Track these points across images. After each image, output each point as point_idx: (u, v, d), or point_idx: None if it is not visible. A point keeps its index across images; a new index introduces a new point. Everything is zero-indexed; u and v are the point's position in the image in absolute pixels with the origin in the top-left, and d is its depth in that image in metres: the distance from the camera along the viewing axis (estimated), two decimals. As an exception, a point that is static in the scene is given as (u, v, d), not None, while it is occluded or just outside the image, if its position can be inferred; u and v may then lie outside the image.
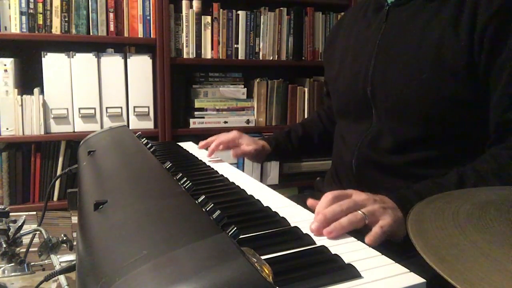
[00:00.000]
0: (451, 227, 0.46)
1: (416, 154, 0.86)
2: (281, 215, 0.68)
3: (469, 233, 0.44)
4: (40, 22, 1.82)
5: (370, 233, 0.64)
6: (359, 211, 0.65)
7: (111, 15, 1.90)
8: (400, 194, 0.73)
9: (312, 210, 0.70)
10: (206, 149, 1.19)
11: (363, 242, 0.60)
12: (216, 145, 1.12)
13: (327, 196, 0.68)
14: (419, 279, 0.49)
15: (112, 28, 1.91)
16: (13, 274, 0.99)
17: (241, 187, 0.83)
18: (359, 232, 0.64)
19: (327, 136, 1.23)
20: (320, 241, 0.60)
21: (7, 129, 1.81)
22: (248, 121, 2.19)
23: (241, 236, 0.56)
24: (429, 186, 0.75)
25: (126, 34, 1.94)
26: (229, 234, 0.52)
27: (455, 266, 0.39)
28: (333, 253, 0.55)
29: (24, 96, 1.80)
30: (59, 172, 1.91)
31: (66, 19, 1.85)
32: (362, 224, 0.65)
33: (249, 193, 0.79)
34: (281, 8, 2.19)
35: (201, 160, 1.09)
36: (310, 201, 0.71)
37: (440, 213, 0.50)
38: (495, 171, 0.74)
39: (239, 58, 2.14)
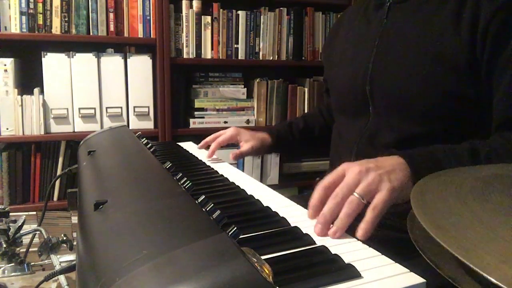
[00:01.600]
0: (453, 198, 0.46)
1: None
2: (281, 215, 0.68)
3: (470, 203, 0.44)
4: (40, 22, 1.82)
5: (361, 224, 0.61)
6: (354, 195, 0.63)
7: (111, 15, 1.90)
8: (409, 152, 0.71)
9: None
10: (206, 148, 1.19)
11: (363, 242, 0.60)
12: (216, 146, 1.12)
13: (319, 188, 0.67)
14: (419, 279, 0.49)
15: (112, 28, 1.91)
16: (13, 274, 0.99)
17: (241, 187, 0.83)
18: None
19: (328, 130, 1.23)
20: (320, 241, 0.60)
21: (7, 129, 1.81)
22: (248, 121, 2.19)
23: (241, 236, 0.56)
24: (441, 148, 0.74)
25: (126, 34, 1.94)
26: (229, 234, 0.52)
27: (451, 232, 0.39)
28: (333, 253, 0.55)
29: (24, 96, 1.80)
30: (59, 172, 1.91)
31: (66, 19, 1.85)
32: (362, 207, 0.63)
33: (249, 193, 0.79)
34: (281, 8, 2.19)
35: (201, 160, 1.09)
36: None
37: (445, 186, 0.50)
38: (504, 145, 0.74)
39: (239, 58, 2.14)
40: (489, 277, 0.33)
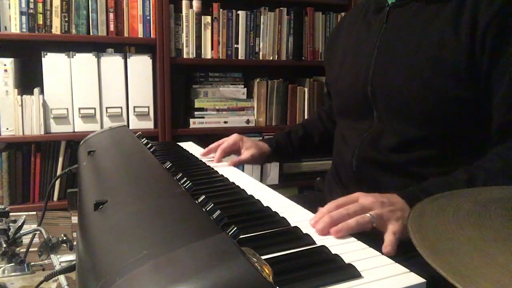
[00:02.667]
0: (450, 223, 0.46)
1: (417, 153, 0.86)
2: (281, 215, 0.68)
3: (467, 229, 0.45)
4: (40, 22, 1.82)
5: (386, 242, 0.63)
6: (367, 214, 0.66)
7: (111, 15, 1.90)
8: (409, 193, 0.73)
9: (312, 210, 0.70)
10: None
11: (364, 242, 0.60)
12: (221, 154, 1.13)
13: (332, 203, 0.68)
14: (419, 279, 0.49)
15: (112, 28, 1.91)
16: (13, 274, 0.99)
17: (241, 187, 0.83)
18: (360, 234, 0.64)
19: (328, 136, 1.24)
20: (320, 241, 0.60)
21: (7, 129, 1.81)
22: (248, 121, 2.19)
23: (241, 236, 0.56)
24: (439, 184, 0.75)
25: (126, 34, 1.94)
26: (229, 234, 0.52)
27: (448, 258, 0.40)
28: (333, 253, 0.55)
29: (24, 96, 1.80)
30: (59, 172, 1.91)
31: (66, 19, 1.85)
32: (370, 227, 0.65)
33: (249, 193, 0.79)
34: (281, 8, 2.19)
35: (201, 160, 1.09)
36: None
37: (442, 210, 0.50)
38: (502, 169, 0.75)
39: (239, 58, 2.14)
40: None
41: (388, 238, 0.64)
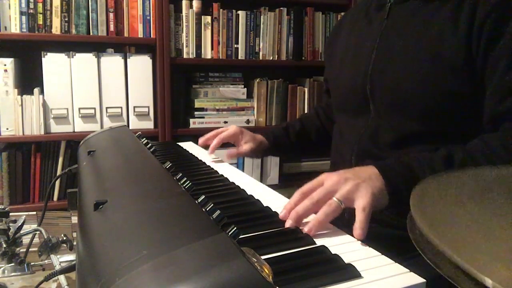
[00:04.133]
0: (452, 199, 0.47)
1: (416, 149, 0.86)
2: (281, 215, 0.68)
3: (468, 204, 0.45)
4: (40, 22, 1.82)
5: (355, 224, 0.62)
6: (333, 199, 0.65)
7: (111, 15, 1.90)
8: (385, 163, 0.74)
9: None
10: (206, 147, 1.18)
11: (363, 242, 0.60)
12: (218, 142, 1.12)
13: (297, 193, 0.68)
14: (419, 279, 0.49)
15: (112, 28, 1.91)
16: (13, 274, 0.99)
17: (241, 187, 0.83)
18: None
19: (324, 133, 1.24)
20: (320, 241, 0.60)
21: (7, 129, 1.81)
22: (248, 121, 2.19)
23: (241, 236, 0.57)
24: (416, 157, 0.76)
25: (126, 34, 1.94)
26: (229, 234, 0.52)
27: (445, 230, 0.40)
28: (333, 253, 0.55)
29: (24, 96, 1.80)
30: (59, 172, 1.91)
31: (66, 19, 1.85)
32: (340, 211, 0.64)
33: (249, 193, 0.79)
34: (281, 8, 2.19)
35: (201, 160, 1.09)
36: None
37: (445, 187, 0.50)
38: (483, 151, 0.75)
39: (239, 58, 2.14)
40: (481, 276, 0.33)
41: (358, 219, 0.62)
